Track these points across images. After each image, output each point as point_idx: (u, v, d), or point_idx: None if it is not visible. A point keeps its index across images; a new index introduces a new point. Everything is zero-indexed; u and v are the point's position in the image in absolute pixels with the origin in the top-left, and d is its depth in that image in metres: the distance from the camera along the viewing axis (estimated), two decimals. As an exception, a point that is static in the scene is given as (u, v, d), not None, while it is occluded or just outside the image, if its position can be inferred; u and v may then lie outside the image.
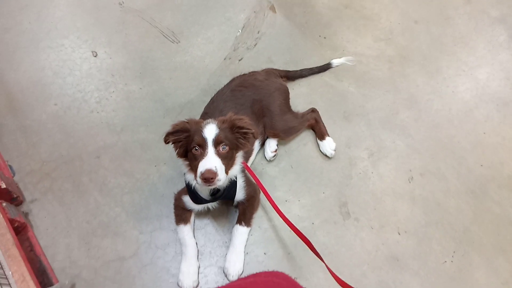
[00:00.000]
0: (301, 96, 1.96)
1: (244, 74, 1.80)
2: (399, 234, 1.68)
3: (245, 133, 1.35)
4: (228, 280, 1.49)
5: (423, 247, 1.66)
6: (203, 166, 1.25)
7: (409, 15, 2.33)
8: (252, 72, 1.83)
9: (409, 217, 1.72)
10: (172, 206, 1.61)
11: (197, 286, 1.48)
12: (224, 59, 2.05)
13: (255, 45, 2.12)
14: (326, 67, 2.04)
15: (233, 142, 1.34)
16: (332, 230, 1.66)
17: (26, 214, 1.56)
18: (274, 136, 1.76)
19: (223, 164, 1.30)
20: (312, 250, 1.37)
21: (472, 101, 2.07)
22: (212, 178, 1.24)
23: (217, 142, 1.29)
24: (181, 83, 1.96)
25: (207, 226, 1.62)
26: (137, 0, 2.20)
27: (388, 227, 1.69)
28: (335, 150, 1.81)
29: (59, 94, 1.87)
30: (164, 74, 1.98)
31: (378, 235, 1.67)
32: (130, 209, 1.62)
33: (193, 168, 1.32)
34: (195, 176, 1.29)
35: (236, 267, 1.50)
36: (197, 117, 1.74)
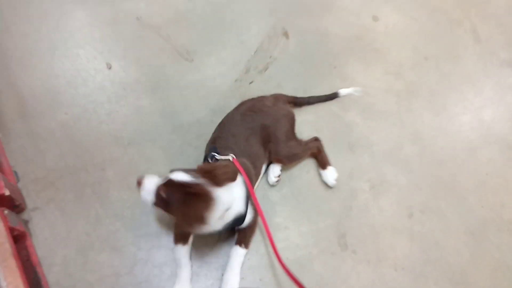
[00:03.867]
0: (307, 124, 1.98)
1: (253, 99, 1.83)
2: (396, 270, 1.68)
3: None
4: None
5: (419, 286, 1.65)
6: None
7: (419, 50, 2.37)
8: (260, 97, 1.85)
9: (407, 254, 1.72)
10: (171, 224, 1.62)
11: None
12: (235, 80, 2.09)
13: (266, 70, 2.15)
14: (333, 96, 2.07)
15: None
16: (329, 261, 1.66)
17: (26, 222, 1.57)
18: (278, 161, 1.77)
19: None
20: None
21: (476, 141, 2.08)
22: None
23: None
24: (191, 101, 1.99)
25: (204, 248, 1.62)
26: (155, 16, 2.25)
27: (386, 262, 1.69)
28: (336, 180, 1.82)
29: (71, 104, 1.90)
30: (175, 91, 2.01)
31: (374, 269, 1.66)
32: (130, 225, 1.63)
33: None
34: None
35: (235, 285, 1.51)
36: (204, 137, 1.77)
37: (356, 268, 1.65)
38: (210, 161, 1.50)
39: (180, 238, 1.54)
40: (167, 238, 1.61)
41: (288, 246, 1.66)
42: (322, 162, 1.84)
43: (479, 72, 2.34)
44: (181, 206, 1.28)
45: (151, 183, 1.34)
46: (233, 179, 1.34)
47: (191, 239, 1.58)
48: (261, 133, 1.67)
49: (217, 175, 1.30)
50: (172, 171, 1.34)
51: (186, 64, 2.10)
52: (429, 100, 2.19)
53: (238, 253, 1.55)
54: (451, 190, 1.91)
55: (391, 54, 2.33)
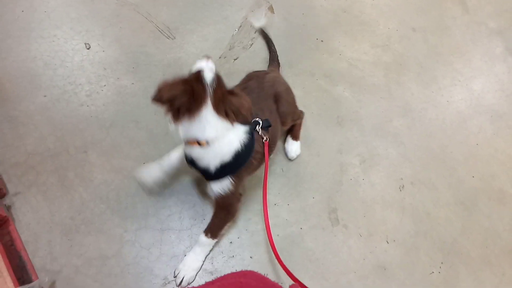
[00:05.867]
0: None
1: (259, 71, 1.77)
2: (388, 243, 1.67)
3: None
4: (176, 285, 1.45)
5: (411, 257, 1.65)
6: None
7: (407, 22, 2.32)
8: (264, 70, 1.83)
9: (398, 226, 1.71)
10: (158, 206, 1.58)
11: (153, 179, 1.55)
12: (219, 57, 2.03)
13: (251, 45, 2.09)
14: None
15: None
16: (320, 236, 1.64)
17: (8, 207, 1.52)
18: (282, 124, 1.68)
19: None
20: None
21: (466, 112, 2.06)
22: None
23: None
24: (174, 80, 1.93)
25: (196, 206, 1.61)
26: (133, -7, 2.16)
27: (377, 236, 1.68)
28: (297, 156, 1.80)
29: (49, 86, 1.83)
30: (157, 70, 1.95)
31: (366, 243, 1.65)
32: (115, 207, 1.58)
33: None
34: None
35: (188, 275, 1.46)
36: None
37: (348, 242, 1.64)
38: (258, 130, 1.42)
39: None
40: (154, 219, 1.57)
41: (278, 222, 1.64)
42: (295, 134, 1.80)
43: (468, 42, 2.31)
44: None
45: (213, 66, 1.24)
46: (241, 121, 1.30)
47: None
48: (275, 102, 1.59)
49: (239, 107, 1.25)
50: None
51: (168, 42, 2.03)
52: (418, 72, 2.15)
53: (202, 241, 1.47)
54: (441, 162, 1.90)
55: (378, 26, 2.28)
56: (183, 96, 1.19)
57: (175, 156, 1.53)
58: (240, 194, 1.50)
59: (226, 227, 1.52)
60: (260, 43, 2.11)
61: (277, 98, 1.60)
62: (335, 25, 2.24)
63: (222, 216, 1.48)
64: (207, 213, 1.61)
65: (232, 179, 1.38)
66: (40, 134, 1.70)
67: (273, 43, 2.03)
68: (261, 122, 1.43)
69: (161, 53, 2.00)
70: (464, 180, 1.87)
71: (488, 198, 1.84)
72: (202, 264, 1.50)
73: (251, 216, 1.64)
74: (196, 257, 1.49)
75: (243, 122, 1.35)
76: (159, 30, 2.06)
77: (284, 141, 1.81)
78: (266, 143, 1.44)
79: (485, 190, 1.86)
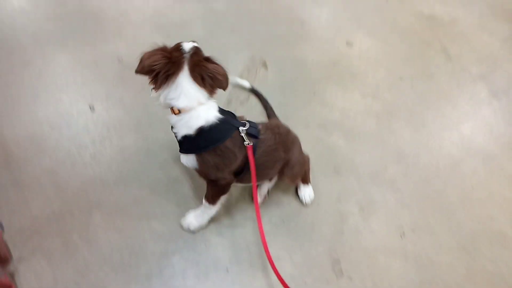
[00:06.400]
0: (292, 151, 2.00)
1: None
2: (393, 293, 1.66)
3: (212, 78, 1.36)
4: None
5: (417, 307, 1.63)
6: None
7: (394, 72, 2.46)
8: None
9: (402, 275, 1.71)
10: (162, 265, 1.59)
11: None
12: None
13: (247, 100, 2.20)
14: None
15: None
16: (325, 290, 1.63)
17: (12, 274, 1.53)
18: (293, 180, 1.75)
19: None
20: None
21: (458, 156, 2.13)
22: None
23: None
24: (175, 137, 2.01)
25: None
26: (135, 56, 2.27)
27: (382, 286, 1.67)
28: (312, 201, 1.84)
29: (55, 149, 1.90)
30: (159, 128, 2.03)
31: (371, 294, 1.64)
32: (119, 268, 1.59)
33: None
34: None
35: (193, 224, 1.66)
36: (190, 172, 1.77)
37: (353, 294, 1.63)
38: (244, 127, 1.45)
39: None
40: (157, 281, 1.57)
41: (283, 277, 1.64)
42: (306, 178, 1.84)
43: (453, 88, 2.43)
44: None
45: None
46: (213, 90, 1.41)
47: None
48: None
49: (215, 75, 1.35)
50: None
51: (169, 101, 2.14)
52: (408, 119, 2.25)
53: (204, 203, 1.61)
54: (438, 206, 1.93)
55: (367, 77, 2.41)
56: (162, 62, 1.30)
57: None
58: (224, 179, 1.49)
59: (222, 198, 1.58)
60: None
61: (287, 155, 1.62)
62: (326, 78, 2.36)
63: (210, 188, 1.56)
64: (210, 271, 1.61)
65: (197, 158, 1.43)
66: (46, 197, 1.74)
67: (266, 100, 2.13)
68: (248, 125, 1.45)
69: (162, 111, 2.08)
70: (463, 224, 1.89)
71: (489, 241, 1.85)
72: (207, 222, 1.68)
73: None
74: (198, 214, 1.65)
75: (220, 87, 1.42)
76: (160, 90, 2.17)
77: (296, 189, 1.87)
78: (250, 147, 1.43)
79: (485, 233, 1.88)
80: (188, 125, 1.38)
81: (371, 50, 2.56)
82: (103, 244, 1.64)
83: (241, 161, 1.47)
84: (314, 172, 1.90)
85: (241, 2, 2.75)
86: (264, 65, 2.36)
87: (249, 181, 1.47)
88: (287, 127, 1.71)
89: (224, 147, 1.41)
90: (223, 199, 1.61)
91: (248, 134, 1.44)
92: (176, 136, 1.48)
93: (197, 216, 1.66)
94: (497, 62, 2.66)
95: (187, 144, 1.43)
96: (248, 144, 1.43)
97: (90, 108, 2.07)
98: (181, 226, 1.69)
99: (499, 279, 1.75)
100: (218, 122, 1.40)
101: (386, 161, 2.05)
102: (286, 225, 1.79)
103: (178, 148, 1.50)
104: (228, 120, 1.44)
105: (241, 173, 1.51)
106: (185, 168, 1.88)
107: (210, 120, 1.39)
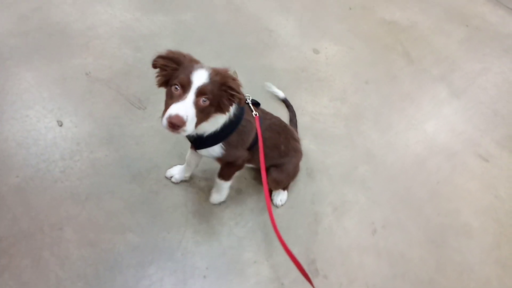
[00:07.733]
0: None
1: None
2: (368, 288, 1.70)
3: (232, 95, 1.30)
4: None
5: (391, 301, 1.68)
6: (175, 109, 1.19)
7: (360, 76, 2.55)
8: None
9: (376, 271, 1.76)
10: (138, 275, 1.57)
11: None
12: (190, 123, 2.13)
13: (219, 109, 2.22)
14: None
15: (216, 99, 1.29)
16: (302, 290, 1.66)
17: (-21, 297, 1.47)
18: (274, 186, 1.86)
19: (196, 116, 1.23)
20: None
21: (423, 153, 2.23)
22: (178, 126, 1.18)
23: (200, 92, 1.23)
24: (147, 148, 2.00)
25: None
26: (104, 69, 2.29)
27: (357, 283, 1.71)
28: (282, 204, 1.91)
29: (22, 165, 1.85)
30: (131, 140, 2.02)
31: (347, 291, 1.68)
32: (94, 282, 1.56)
33: (165, 105, 1.28)
34: (163, 114, 1.23)
35: (218, 198, 1.81)
36: (164, 182, 1.77)
37: (330, 293, 1.66)
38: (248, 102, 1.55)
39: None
40: (134, 292, 1.55)
41: (260, 280, 1.65)
42: (287, 186, 1.92)
43: (416, 89, 2.55)
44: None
45: (187, 107, 1.26)
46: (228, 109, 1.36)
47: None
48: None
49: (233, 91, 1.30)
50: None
51: (139, 113, 2.13)
52: (375, 120, 2.34)
53: (217, 182, 1.73)
54: (407, 202, 2.01)
55: (334, 82, 2.49)
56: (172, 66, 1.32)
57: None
58: (241, 157, 1.60)
59: (235, 173, 1.69)
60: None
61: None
62: (295, 84, 2.43)
63: (228, 169, 1.67)
64: (188, 279, 1.61)
65: (223, 144, 1.50)
66: (13, 215, 1.69)
67: (294, 113, 2.21)
68: (250, 96, 1.56)
69: (133, 123, 2.08)
70: (431, 218, 1.97)
71: (455, 233, 1.94)
72: (226, 195, 1.81)
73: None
74: (219, 194, 1.79)
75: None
76: (130, 102, 2.16)
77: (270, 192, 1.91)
78: (257, 117, 1.56)
79: (452, 226, 1.97)
80: (215, 125, 1.44)
81: (337, 56, 2.65)
82: (76, 259, 1.61)
83: (252, 138, 1.58)
84: (287, 175, 1.94)
85: (209, 13, 2.79)
86: (234, 74, 2.40)
87: (257, 163, 1.58)
88: (298, 137, 1.89)
89: (244, 123, 1.51)
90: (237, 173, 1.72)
91: (253, 104, 1.58)
92: (194, 137, 1.49)
93: (219, 192, 1.79)
94: (456, 63, 2.82)
95: (212, 138, 1.48)
96: (256, 114, 1.56)
97: (58, 123, 2.04)
98: (211, 203, 1.83)
99: (467, 267, 1.84)
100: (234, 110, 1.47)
101: (356, 162, 2.12)
102: (262, 229, 1.82)
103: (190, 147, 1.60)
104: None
105: (251, 149, 1.61)
106: (158, 178, 1.88)
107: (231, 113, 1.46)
